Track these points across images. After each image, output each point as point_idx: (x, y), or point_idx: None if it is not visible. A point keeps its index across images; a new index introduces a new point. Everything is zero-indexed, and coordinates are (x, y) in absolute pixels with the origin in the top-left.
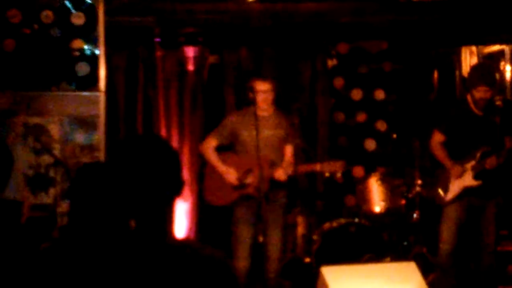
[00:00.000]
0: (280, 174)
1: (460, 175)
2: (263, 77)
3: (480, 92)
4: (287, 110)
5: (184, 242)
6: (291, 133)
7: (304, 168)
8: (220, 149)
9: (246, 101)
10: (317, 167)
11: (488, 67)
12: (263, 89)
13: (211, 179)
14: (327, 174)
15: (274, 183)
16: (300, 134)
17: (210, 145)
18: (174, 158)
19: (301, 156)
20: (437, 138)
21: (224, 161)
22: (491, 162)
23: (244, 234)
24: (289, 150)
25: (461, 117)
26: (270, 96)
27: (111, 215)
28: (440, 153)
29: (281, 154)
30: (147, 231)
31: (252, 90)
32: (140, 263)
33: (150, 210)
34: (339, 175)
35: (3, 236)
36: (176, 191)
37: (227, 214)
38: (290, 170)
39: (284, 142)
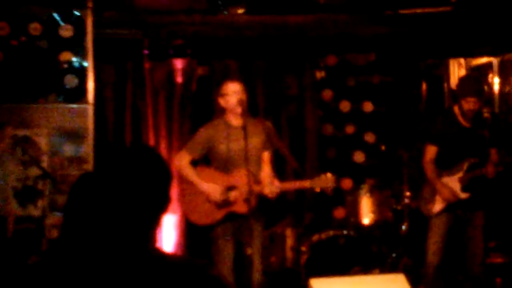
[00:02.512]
0: (271, 191)
1: (449, 198)
2: (233, 78)
3: (469, 104)
4: (276, 121)
5: (172, 257)
6: (267, 140)
7: (293, 185)
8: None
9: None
10: (307, 183)
11: (476, 78)
12: (234, 90)
13: (190, 198)
14: (317, 190)
15: (262, 199)
16: (279, 139)
17: (185, 160)
18: (165, 174)
19: (289, 173)
20: (431, 151)
21: (201, 177)
22: (489, 170)
23: (227, 251)
24: (266, 157)
25: (449, 128)
26: (243, 97)
27: (104, 229)
28: (430, 171)
29: (260, 163)
30: (133, 246)
31: (222, 95)
32: (130, 278)
33: (136, 225)
34: (330, 189)
35: None
36: (162, 208)
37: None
38: (275, 184)
39: (262, 150)
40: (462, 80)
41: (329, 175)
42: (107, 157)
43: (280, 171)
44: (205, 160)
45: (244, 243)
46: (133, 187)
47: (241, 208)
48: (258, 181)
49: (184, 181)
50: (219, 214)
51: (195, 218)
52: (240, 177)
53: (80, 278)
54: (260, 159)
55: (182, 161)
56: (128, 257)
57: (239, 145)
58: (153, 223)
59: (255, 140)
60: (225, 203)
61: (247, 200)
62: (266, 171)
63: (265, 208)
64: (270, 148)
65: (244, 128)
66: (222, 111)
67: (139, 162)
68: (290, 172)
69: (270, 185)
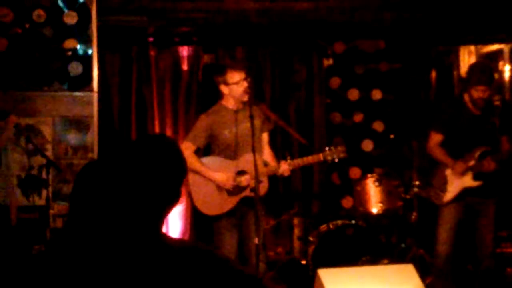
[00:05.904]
0: (285, 169)
1: (463, 172)
2: (236, 67)
3: (478, 92)
4: (284, 109)
5: (179, 242)
6: (264, 121)
7: (306, 160)
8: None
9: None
10: (320, 157)
11: (486, 66)
12: (240, 79)
13: (199, 189)
14: (329, 158)
15: (273, 181)
16: (277, 117)
17: (189, 151)
18: (176, 166)
19: (295, 151)
20: (435, 139)
21: (208, 166)
22: (488, 165)
23: (232, 241)
24: (265, 138)
25: (458, 116)
26: (247, 83)
27: (109, 218)
28: (440, 154)
29: (261, 145)
30: (139, 235)
31: (227, 84)
32: (140, 267)
33: (142, 215)
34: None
35: None
36: (170, 201)
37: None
38: (287, 162)
39: (261, 132)
40: (471, 68)
41: (339, 147)
42: (114, 145)
43: (285, 151)
44: (206, 149)
45: (248, 233)
46: (140, 177)
47: (253, 192)
48: (266, 163)
49: (190, 172)
50: (232, 201)
51: (208, 209)
52: (248, 161)
53: (86, 268)
54: (261, 141)
55: (186, 152)
56: (133, 246)
57: (243, 129)
58: (160, 212)
59: (256, 123)
60: (237, 189)
61: (256, 184)
62: (267, 152)
63: (273, 197)
64: (267, 129)
65: (250, 112)
66: (222, 96)
67: (149, 152)
68: (296, 150)
69: (283, 163)
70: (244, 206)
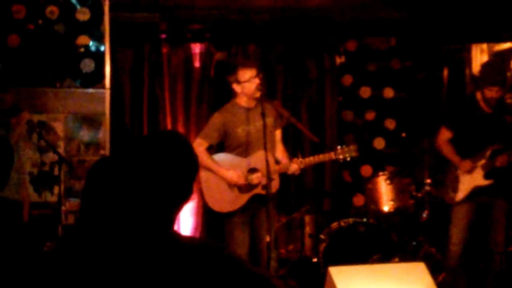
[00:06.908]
0: (295, 167)
1: (470, 170)
2: (247, 64)
3: (492, 92)
4: (295, 107)
5: (189, 239)
6: (277, 118)
7: (317, 159)
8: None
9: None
10: (332, 155)
11: (499, 66)
12: (251, 76)
13: (210, 186)
14: (341, 157)
15: (285, 179)
16: (290, 115)
17: (202, 148)
18: (193, 165)
19: (307, 149)
20: (444, 135)
21: (219, 164)
22: (502, 160)
23: (244, 239)
24: (278, 135)
25: (470, 114)
26: (258, 80)
27: (121, 214)
28: (447, 150)
29: (274, 143)
30: (150, 232)
31: (239, 82)
32: (151, 264)
33: (153, 211)
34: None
35: (4, 235)
36: (181, 198)
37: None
38: (299, 160)
39: (274, 129)
40: (484, 67)
41: (351, 145)
42: (126, 142)
43: (297, 148)
44: (220, 146)
45: (260, 231)
46: (152, 173)
47: (264, 190)
48: (278, 161)
49: (202, 169)
50: (243, 199)
51: (219, 206)
52: (260, 159)
53: (97, 264)
54: (274, 138)
55: (198, 149)
56: (144, 243)
57: (256, 127)
58: (172, 209)
59: (269, 120)
60: (248, 187)
61: (268, 182)
62: (280, 149)
63: (284, 194)
64: (280, 126)
65: (262, 109)
66: (235, 94)
67: (160, 148)
68: (307, 148)
69: (294, 162)
70: (256, 204)
